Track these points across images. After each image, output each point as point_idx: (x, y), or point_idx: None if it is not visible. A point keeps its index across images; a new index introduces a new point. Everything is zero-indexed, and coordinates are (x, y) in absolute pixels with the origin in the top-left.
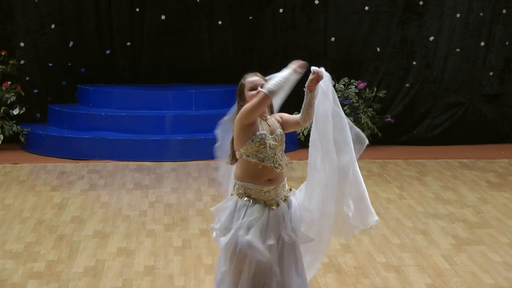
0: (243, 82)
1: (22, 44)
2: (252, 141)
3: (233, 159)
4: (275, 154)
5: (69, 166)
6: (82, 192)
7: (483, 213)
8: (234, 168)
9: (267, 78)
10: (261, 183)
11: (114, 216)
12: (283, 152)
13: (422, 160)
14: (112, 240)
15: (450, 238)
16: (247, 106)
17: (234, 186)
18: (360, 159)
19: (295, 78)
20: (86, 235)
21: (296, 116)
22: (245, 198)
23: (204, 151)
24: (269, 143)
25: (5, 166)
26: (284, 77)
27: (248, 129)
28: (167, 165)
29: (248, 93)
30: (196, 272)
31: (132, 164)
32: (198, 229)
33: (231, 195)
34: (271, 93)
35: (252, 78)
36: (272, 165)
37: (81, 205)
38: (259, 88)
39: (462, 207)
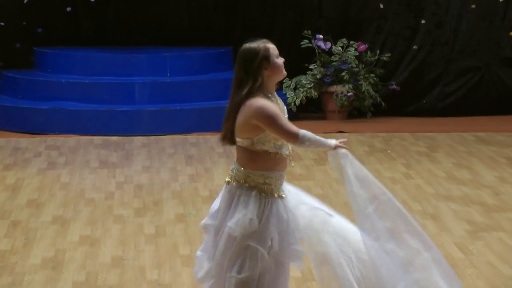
0: (267, 45)
1: None
2: None
3: (230, 140)
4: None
5: (24, 141)
6: (39, 171)
7: (502, 195)
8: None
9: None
10: (278, 169)
11: (76, 199)
12: None
13: (432, 134)
14: (74, 227)
15: (464, 224)
16: (282, 126)
17: (242, 176)
18: (360, 132)
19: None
20: (44, 221)
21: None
22: (263, 194)
23: (180, 123)
24: None
25: None
26: (323, 142)
27: None
28: (138, 140)
29: (277, 61)
30: (172, 263)
31: (97, 139)
32: (174, 214)
33: (239, 185)
34: (301, 142)
35: (273, 44)
36: (288, 152)
37: (38, 187)
38: (299, 132)
39: (478, 187)
